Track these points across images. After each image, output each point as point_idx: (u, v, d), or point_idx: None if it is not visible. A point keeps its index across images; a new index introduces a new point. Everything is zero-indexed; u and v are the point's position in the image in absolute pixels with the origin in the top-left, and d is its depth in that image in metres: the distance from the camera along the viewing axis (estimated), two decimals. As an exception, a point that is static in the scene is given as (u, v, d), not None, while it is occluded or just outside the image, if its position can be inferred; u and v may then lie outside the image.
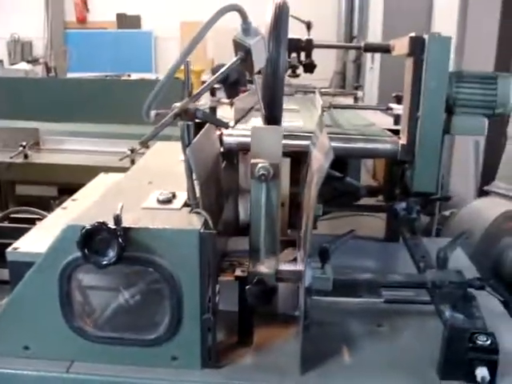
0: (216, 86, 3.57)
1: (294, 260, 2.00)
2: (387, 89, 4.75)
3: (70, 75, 11.27)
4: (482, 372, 1.63)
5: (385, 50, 2.66)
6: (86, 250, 1.60)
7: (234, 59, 1.76)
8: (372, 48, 3.11)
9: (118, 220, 1.59)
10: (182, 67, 1.68)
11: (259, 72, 1.92)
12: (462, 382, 1.69)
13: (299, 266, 1.85)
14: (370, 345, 1.92)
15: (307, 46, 2.95)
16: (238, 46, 1.75)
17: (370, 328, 2.02)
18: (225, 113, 2.98)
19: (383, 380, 1.73)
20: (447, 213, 3.85)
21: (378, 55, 8.63)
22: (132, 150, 4.84)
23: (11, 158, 4.98)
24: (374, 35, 8.61)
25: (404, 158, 2.25)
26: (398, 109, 2.84)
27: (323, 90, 4.93)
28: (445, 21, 5.58)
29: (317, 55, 3.07)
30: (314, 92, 4.60)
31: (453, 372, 1.70)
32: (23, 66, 9.54)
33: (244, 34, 1.74)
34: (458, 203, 3.92)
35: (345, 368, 1.79)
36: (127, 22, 12.98)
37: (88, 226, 1.58)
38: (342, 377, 1.74)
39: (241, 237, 2.16)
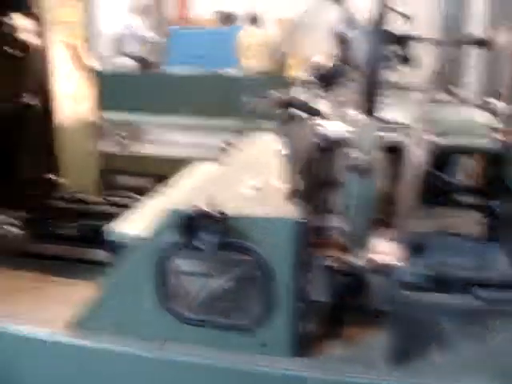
0: (313, 79, 3.56)
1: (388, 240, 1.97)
2: (488, 87, 4.60)
3: (169, 70, 11.53)
4: None
5: (485, 43, 2.59)
6: (186, 236, 1.64)
7: (336, 52, 1.76)
8: (472, 42, 3.02)
9: (218, 207, 1.63)
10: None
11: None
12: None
13: (392, 260, 1.83)
14: (461, 344, 1.86)
15: (406, 40, 2.90)
16: (339, 38, 1.75)
17: (463, 327, 1.97)
18: (322, 106, 2.98)
19: (473, 382, 1.68)
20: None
21: (479, 53, 8.36)
22: (228, 143, 4.92)
23: (112, 148, 5.17)
24: (477, 31, 8.33)
25: (504, 154, 2.18)
26: (499, 105, 2.75)
27: (421, 86, 4.82)
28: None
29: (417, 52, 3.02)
30: (412, 89, 4.51)
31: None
32: (125, 61, 9.81)
33: (345, 27, 1.74)
34: None
35: (433, 366, 1.76)
36: (226, 19, 13.18)
37: (190, 213, 1.63)
38: (429, 375, 1.71)
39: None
